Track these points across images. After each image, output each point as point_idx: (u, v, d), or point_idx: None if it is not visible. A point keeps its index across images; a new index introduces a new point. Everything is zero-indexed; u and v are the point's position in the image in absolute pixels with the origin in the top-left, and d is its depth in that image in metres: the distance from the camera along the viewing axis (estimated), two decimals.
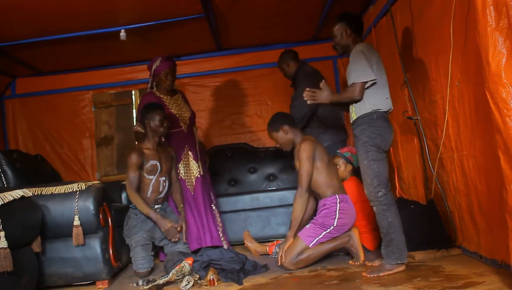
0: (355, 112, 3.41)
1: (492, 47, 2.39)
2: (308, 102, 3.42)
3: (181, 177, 4.57)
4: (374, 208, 3.31)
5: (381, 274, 3.21)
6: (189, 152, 4.66)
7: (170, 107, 4.65)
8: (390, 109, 3.43)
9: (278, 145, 4.01)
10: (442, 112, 3.48)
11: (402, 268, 3.24)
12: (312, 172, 3.77)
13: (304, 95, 3.43)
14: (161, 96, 4.71)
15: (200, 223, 4.47)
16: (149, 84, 4.80)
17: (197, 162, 4.67)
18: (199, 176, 4.63)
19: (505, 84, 2.34)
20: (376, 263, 3.49)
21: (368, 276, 3.22)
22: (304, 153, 3.75)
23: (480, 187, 3.05)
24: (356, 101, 3.34)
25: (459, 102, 3.20)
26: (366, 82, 3.27)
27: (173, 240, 4.02)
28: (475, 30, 2.57)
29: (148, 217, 4.05)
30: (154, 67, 4.70)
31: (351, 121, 3.48)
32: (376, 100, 3.32)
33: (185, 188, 4.54)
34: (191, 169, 4.64)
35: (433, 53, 3.56)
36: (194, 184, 4.60)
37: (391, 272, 3.21)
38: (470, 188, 3.20)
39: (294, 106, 4.72)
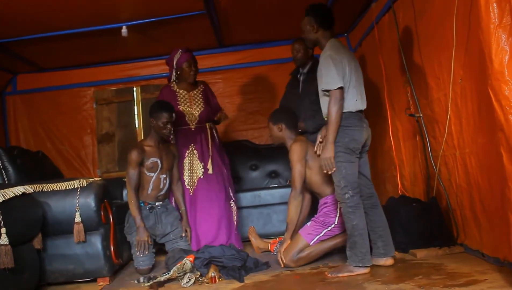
0: (325, 114, 3.35)
1: (495, 44, 2.38)
2: (329, 172, 3.26)
3: (184, 178, 4.52)
4: (342, 209, 3.30)
5: (340, 275, 3.21)
6: (194, 151, 4.58)
7: (179, 104, 4.62)
8: (360, 109, 3.35)
9: (270, 135, 4.02)
10: (444, 109, 3.46)
11: (365, 271, 3.22)
12: (305, 173, 3.75)
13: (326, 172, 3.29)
14: (178, 90, 4.70)
15: (193, 226, 4.42)
16: (169, 77, 4.81)
17: (202, 161, 4.56)
18: (202, 177, 4.53)
19: (508, 82, 2.34)
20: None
21: (329, 275, 3.23)
22: (295, 154, 3.73)
23: (483, 185, 3.04)
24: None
25: (462, 99, 3.18)
26: (342, 87, 3.18)
27: (138, 253, 3.93)
28: (478, 27, 2.56)
29: (135, 219, 4.00)
30: (175, 59, 4.68)
31: (325, 123, 3.44)
32: (345, 102, 3.24)
33: (185, 188, 4.49)
34: (195, 169, 4.56)
35: (435, 50, 3.54)
36: (195, 185, 4.52)
37: (352, 274, 3.20)
38: (472, 185, 3.19)
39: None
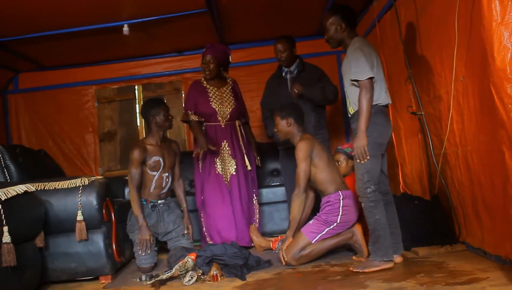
0: (352, 106, 3.36)
1: (497, 42, 2.38)
2: (362, 161, 3.22)
3: (218, 172, 4.57)
4: (362, 204, 3.29)
5: (366, 270, 3.19)
6: (227, 147, 4.63)
7: (211, 100, 4.64)
8: (388, 103, 3.39)
9: (276, 130, 3.99)
10: (446, 107, 3.46)
11: (389, 265, 3.22)
12: (310, 171, 3.74)
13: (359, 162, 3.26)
14: (208, 86, 4.72)
15: (232, 221, 4.49)
16: None
17: (234, 158, 4.62)
18: (234, 173, 4.59)
19: (510, 79, 2.33)
20: None
21: (354, 270, 3.22)
22: (301, 152, 3.72)
23: (485, 183, 3.03)
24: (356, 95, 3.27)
25: (464, 97, 3.18)
26: (372, 78, 3.21)
27: (140, 252, 3.92)
28: (480, 25, 2.55)
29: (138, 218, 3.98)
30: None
31: (349, 115, 3.45)
32: (375, 94, 3.26)
33: (222, 182, 4.56)
34: (227, 165, 4.61)
35: (437, 48, 3.54)
36: (229, 180, 4.59)
37: (377, 268, 3.19)
38: (474, 183, 3.19)
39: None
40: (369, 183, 3.22)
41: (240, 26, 5.46)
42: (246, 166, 4.68)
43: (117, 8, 4.44)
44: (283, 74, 4.80)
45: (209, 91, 4.69)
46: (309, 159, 3.72)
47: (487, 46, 2.44)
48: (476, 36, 2.84)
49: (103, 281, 3.71)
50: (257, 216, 4.72)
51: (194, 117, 4.65)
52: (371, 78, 3.20)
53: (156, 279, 3.40)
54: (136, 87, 6.35)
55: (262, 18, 5.29)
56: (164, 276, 3.40)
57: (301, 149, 3.72)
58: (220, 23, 5.21)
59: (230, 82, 4.87)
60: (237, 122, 4.76)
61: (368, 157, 3.21)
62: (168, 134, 4.93)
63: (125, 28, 4.75)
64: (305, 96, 4.51)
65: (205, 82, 4.73)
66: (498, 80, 2.37)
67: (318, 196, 3.92)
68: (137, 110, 6.29)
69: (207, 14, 4.74)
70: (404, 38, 4.08)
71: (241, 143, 4.72)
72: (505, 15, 2.36)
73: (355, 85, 3.27)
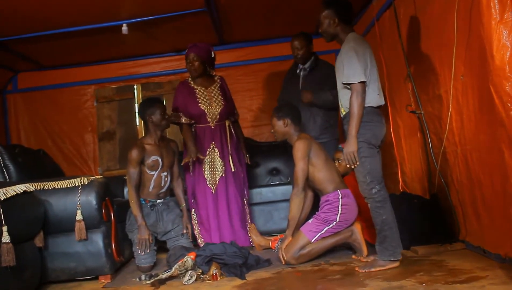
0: (344, 107, 3.34)
1: (497, 40, 2.39)
2: (353, 166, 3.25)
3: (204, 176, 4.49)
4: (369, 205, 3.28)
5: (373, 269, 3.18)
6: (215, 149, 4.53)
7: (200, 102, 4.54)
8: (381, 104, 3.34)
9: (272, 131, 3.98)
10: (445, 106, 3.46)
11: (396, 264, 3.21)
12: (308, 171, 3.74)
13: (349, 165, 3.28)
14: (195, 86, 4.62)
15: (215, 224, 4.43)
16: None
17: (222, 159, 4.53)
18: (223, 175, 4.50)
19: (509, 78, 2.34)
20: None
21: (360, 271, 3.21)
22: (298, 152, 3.71)
23: (484, 181, 3.03)
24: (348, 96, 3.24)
25: (463, 96, 3.17)
26: (364, 81, 3.16)
27: (140, 251, 3.92)
28: (479, 23, 2.56)
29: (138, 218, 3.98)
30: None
31: (342, 116, 3.43)
32: (367, 96, 3.21)
33: (206, 186, 4.47)
34: (216, 167, 4.52)
35: (436, 47, 3.54)
36: (217, 183, 4.49)
37: (383, 268, 3.19)
38: (473, 182, 3.18)
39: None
40: (373, 184, 3.20)
41: (239, 25, 5.46)
42: (235, 167, 4.58)
43: (116, 7, 4.43)
44: (297, 71, 4.71)
45: (197, 91, 4.59)
46: (307, 158, 3.72)
47: (486, 45, 2.45)
48: (475, 35, 2.84)
49: (103, 281, 3.71)
50: (248, 216, 4.65)
51: (185, 120, 4.56)
52: (363, 82, 3.16)
53: (156, 278, 3.40)
54: (135, 86, 6.36)
55: (261, 17, 5.28)
56: (163, 276, 3.40)
57: (299, 149, 3.72)
58: (219, 23, 5.21)
59: (218, 80, 4.75)
60: (226, 122, 4.65)
61: (358, 163, 3.21)
62: (167, 134, 4.90)
63: (124, 28, 4.75)
64: (315, 104, 4.46)
65: (192, 83, 4.63)
66: (497, 78, 2.37)
67: (317, 195, 3.92)
68: (136, 110, 6.29)
69: (206, 13, 4.74)
70: (403, 37, 4.08)
71: (229, 144, 4.60)
72: (504, 14, 2.37)
73: (347, 88, 3.24)
